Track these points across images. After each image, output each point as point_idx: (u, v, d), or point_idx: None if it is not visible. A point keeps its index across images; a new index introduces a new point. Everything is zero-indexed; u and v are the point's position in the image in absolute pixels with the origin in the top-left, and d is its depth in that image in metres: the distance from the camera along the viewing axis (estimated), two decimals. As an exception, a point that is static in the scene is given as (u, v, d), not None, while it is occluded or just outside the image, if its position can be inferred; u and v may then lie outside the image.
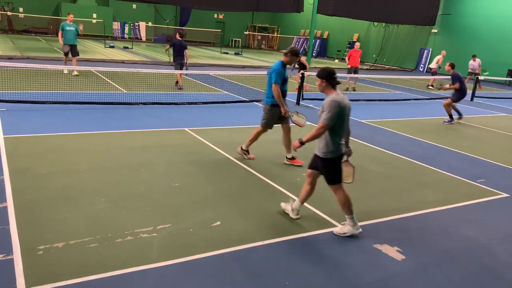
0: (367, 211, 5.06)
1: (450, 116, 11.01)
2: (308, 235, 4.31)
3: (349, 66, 15.84)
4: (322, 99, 12.97)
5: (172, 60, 13.23)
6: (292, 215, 4.67)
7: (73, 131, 7.36)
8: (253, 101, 11.80)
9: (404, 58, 30.40)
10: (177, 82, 13.23)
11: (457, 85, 10.70)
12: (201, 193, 5.17)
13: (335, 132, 4.22)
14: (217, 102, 11.20)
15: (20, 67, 12.26)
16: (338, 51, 34.87)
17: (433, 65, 19.78)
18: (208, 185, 5.43)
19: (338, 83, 4.29)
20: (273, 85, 6.12)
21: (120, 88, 12.05)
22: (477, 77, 17.41)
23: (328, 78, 4.24)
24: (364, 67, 28.60)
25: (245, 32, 39.04)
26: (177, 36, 12.88)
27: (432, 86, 18.27)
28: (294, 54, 6.16)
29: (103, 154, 6.30)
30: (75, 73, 13.51)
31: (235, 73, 16.69)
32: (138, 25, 35.17)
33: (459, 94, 10.86)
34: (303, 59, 15.04)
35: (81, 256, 3.58)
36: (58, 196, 4.71)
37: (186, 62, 12.96)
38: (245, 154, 6.61)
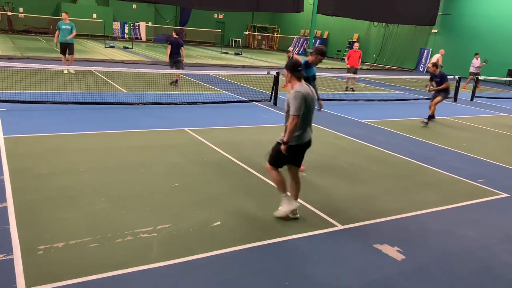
0: (367, 211, 5.06)
1: (432, 116, 10.60)
2: (308, 235, 4.31)
3: (348, 66, 15.83)
4: (322, 99, 12.99)
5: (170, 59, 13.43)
6: (291, 215, 4.66)
7: (73, 131, 7.36)
8: (253, 101, 11.80)
9: (404, 58, 30.41)
10: (176, 81, 13.46)
11: (448, 84, 10.53)
12: (201, 193, 5.17)
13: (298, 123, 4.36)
14: (217, 102, 11.20)
15: (20, 67, 12.26)
16: (338, 51, 34.88)
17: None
18: (208, 185, 5.43)
19: (303, 75, 4.46)
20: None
21: (120, 88, 12.05)
22: (477, 77, 17.41)
23: (293, 69, 4.40)
24: (364, 67, 28.60)
25: (245, 32, 39.05)
26: (173, 34, 13.28)
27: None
28: (320, 53, 5.94)
29: (103, 154, 6.30)
30: (72, 71, 13.63)
31: (235, 73, 16.70)
32: (138, 25, 35.18)
33: (446, 92, 10.67)
34: (295, 56, 15.12)
35: (81, 256, 3.58)
36: (58, 196, 4.71)
37: (183, 60, 13.28)
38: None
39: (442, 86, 10.51)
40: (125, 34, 34.89)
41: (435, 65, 10.58)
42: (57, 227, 4.03)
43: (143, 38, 35.10)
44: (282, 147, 4.38)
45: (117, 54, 22.39)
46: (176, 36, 13.17)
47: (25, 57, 16.88)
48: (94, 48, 24.70)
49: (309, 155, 7.13)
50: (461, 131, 10.37)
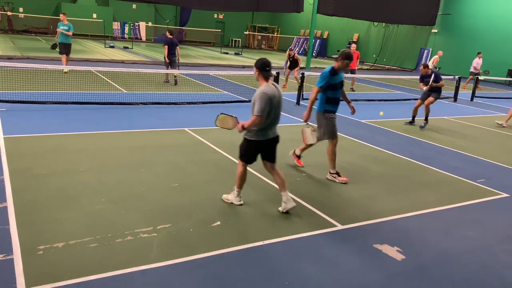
0: (367, 211, 5.06)
1: (413, 119, 10.47)
2: (308, 235, 4.31)
3: None
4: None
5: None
6: (236, 202, 4.85)
7: (73, 131, 7.36)
8: (253, 101, 11.78)
9: (404, 58, 30.41)
10: (175, 80, 13.79)
11: (443, 82, 10.18)
12: (201, 193, 5.17)
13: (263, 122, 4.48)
14: (217, 102, 11.20)
15: (20, 67, 12.26)
16: (338, 51, 34.81)
17: (429, 65, 19.79)
18: (208, 185, 5.43)
19: (271, 75, 4.52)
20: (314, 87, 5.81)
21: (120, 88, 12.05)
22: (477, 77, 17.41)
23: (262, 68, 4.46)
24: (364, 67, 28.61)
25: (245, 32, 39.05)
26: (168, 34, 13.60)
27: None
28: (346, 57, 5.69)
29: (103, 154, 6.30)
30: (65, 70, 13.70)
31: (235, 73, 16.70)
32: (138, 25, 35.17)
33: (439, 93, 10.31)
34: (296, 55, 15.12)
35: (81, 256, 3.58)
36: (58, 196, 4.71)
37: (178, 59, 13.69)
38: (335, 177, 5.95)
39: (439, 83, 10.11)
40: (125, 34, 34.88)
41: (426, 66, 10.22)
42: (57, 227, 4.03)
43: (143, 38, 35.10)
44: (239, 126, 4.51)
45: (117, 54, 22.39)
46: (171, 36, 13.48)
47: (25, 57, 16.88)
48: (94, 48, 24.70)
49: (309, 155, 7.15)
50: (461, 131, 10.36)
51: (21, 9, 31.86)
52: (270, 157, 4.81)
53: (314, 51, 33.57)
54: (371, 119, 10.81)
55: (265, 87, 4.44)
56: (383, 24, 31.20)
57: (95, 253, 3.64)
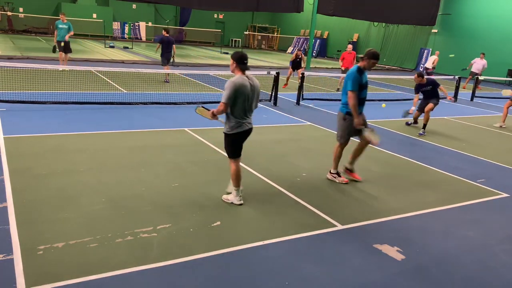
0: (367, 211, 5.06)
1: (415, 121, 10.27)
2: (308, 235, 4.31)
3: (343, 68, 15.80)
4: (322, 99, 12.87)
5: (173, 60, 14.20)
6: (236, 202, 4.87)
7: (73, 131, 7.36)
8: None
9: (404, 58, 30.41)
10: (167, 76, 14.29)
11: (443, 88, 9.78)
12: (201, 193, 5.17)
13: (234, 112, 4.63)
14: (217, 102, 11.15)
15: (20, 67, 12.26)
16: (338, 51, 34.81)
17: (429, 65, 19.83)
18: (208, 185, 5.43)
19: (247, 68, 4.67)
20: (349, 92, 5.57)
21: (120, 88, 12.05)
22: (477, 77, 17.41)
23: (239, 61, 4.61)
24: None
25: (245, 32, 39.05)
26: (164, 33, 13.92)
27: None
28: (372, 56, 5.54)
29: (103, 154, 6.30)
30: (63, 69, 13.75)
31: (235, 73, 16.65)
32: (138, 25, 35.17)
33: (438, 98, 9.85)
34: (303, 56, 15.13)
35: (81, 256, 3.58)
36: (58, 196, 4.71)
37: (174, 57, 14.17)
38: (335, 177, 5.96)
39: (441, 90, 9.71)
40: (125, 34, 34.88)
41: (420, 75, 9.69)
42: (57, 227, 4.03)
43: (143, 38, 35.09)
44: (210, 112, 4.72)
45: (117, 54, 22.39)
46: (167, 35, 13.81)
47: (25, 57, 16.88)
48: (94, 48, 24.70)
49: (309, 155, 7.15)
50: (461, 131, 10.36)
51: (21, 9, 31.86)
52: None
53: (314, 51, 33.56)
54: (371, 119, 10.80)
55: (236, 77, 4.60)
56: (383, 24, 31.21)
57: (95, 253, 3.64)
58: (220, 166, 6.20)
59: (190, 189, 5.26)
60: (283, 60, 27.98)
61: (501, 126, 11.13)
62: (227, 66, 21.19)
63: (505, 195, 6.02)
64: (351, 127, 5.77)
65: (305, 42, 35.34)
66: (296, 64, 14.89)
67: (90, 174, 5.42)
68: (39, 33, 31.45)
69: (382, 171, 6.68)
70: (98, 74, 14.16)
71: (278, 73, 11.64)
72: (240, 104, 4.59)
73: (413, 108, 9.76)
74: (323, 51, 36.48)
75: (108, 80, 13.21)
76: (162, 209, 4.61)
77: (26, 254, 3.54)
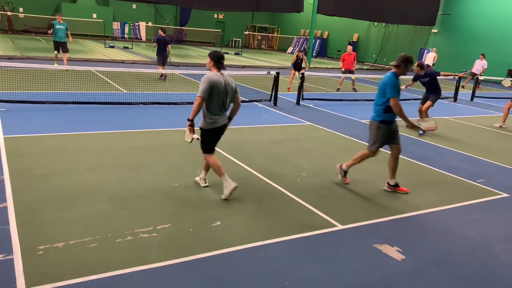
0: (367, 211, 5.06)
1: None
2: (308, 235, 4.31)
3: (343, 69, 15.78)
4: (322, 99, 12.88)
5: (170, 59, 14.68)
6: (202, 184, 5.29)
7: (73, 131, 7.36)
8: (253, 101, 11.80)
9: (404, 58, 30.35)
10: (161, 75, 14.56)
11: (442, 74, 9.69)
12: (201, 193, 5.17)
13: (209, 108, 4.86)
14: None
15: (20, 67, 12.26)
16: (338, 51, 34.84)
17: (429, 62, 19.87)
18: (208, 185, 5.43)
19: (223, 67, 4.97)
20: (391, 100, 5.46)
21: (120, 88, 12.05)
22: (477, 77, 17.40)
23: (216, 61, 4.93)
24: (364, 67, 28.61)
25: (245, 32, 39.04)
26: (160, 32, 14.31)
27: None
28: (406, 61, 5.48)
29: (103, 154, 6.30)
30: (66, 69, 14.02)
31: (235, 73, 16.65)
32: (138, 25, 35.17)
33: (437, 94, 9.74)
34: (305, 57, 15.02)
35: (81, 256, 3.58)
36: (58, 196, 4.71)
37: (169, 56, 14.53)
38: (342, 175, 5.91)
39: (444, 74, 9.52)
40: (125, 34, 34.89)
41: (419, 65, 9.49)
42: (57, 227, 4.03)
43: (143, 38, 35.09)
44: (188, 124, 4.89)
45: (117, 54, 22.38)
46: (163, 34, 14.16)
47: (25, 57, 16.88)
48: (94, 48, 24.70)
49: (309, 155, 7.15)
50: (461, 131, 10.36)
51: (21, 9, 31.87)
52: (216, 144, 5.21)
53: (314, 51, 33.55)
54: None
55: (211, 73, 4.86)
56: (383, 24, 31.19)
57: (95, 253, 3.64)
58: (220, 166, 6.20)
59: (190, 189, 5.27)
60: (283, 60, 27.98)
61: (501, 126, 11.11)
62: (227, 66, 21.12)
63: (505, 195, 6.02)
64: (385, 135, 5.65)
65: (305, 42, 35.34)
66: (297, 66, 14.77)
67: (90, 174, 5.42)
68: (39, 33, 31.45)
69: (382, 171, 6.68)
70: (98, 74, 14.16)
71: (278, 73, 11.64)
72: (215, 100, 4.82)
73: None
74: (323, 51, 36.48)
75: (108, 80, 13.21)
76: (162, 209, 4.61)
77: (26, 254, 3.54)
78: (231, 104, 5.12)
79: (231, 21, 40.10)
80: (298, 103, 12.06)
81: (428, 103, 9.74)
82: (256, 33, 41.21)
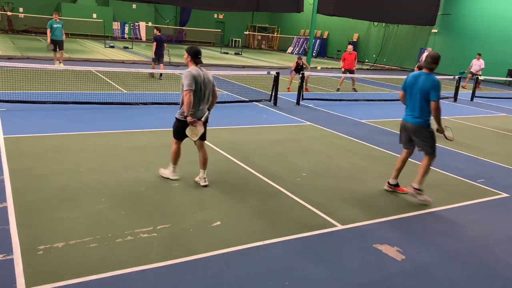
0: (368, 211, 5.06)
1: None
2: (308, 235, 4.31)
3: (343, 69, 15.75)
4: (322, 99, 12.88)
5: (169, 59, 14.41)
6: (171, 177, 5.44)
7: (73, 131, 7.36)
8: (253, 101, 11.80)
9: (404, 58, 30.39)
10: (159, 74, 14.78)
11: None
12: (201, 193, 5.17)
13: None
14: (217, 102, 11.16)
15: (20, 67, 12.25)
16: (338, 51, 34.83)
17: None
18: (208, 185, 5.43)
19: (200, 62, 5.16)
20: (436, 103, 5.21)
21: (120, 88, 12.05)
22: (477, 77, 17.41)
23: (193, 56, 5.12)
24: (364, 67, 28.61)
25: (245, 32, 39.04)
26: (156, 31, 14.49)
27: None
28: (433, 61, 5.31)
29: (103, 154, 6.30)
30: (61, 65, 14.54)
31: (235, 73, 16.70)
32: (138, 25, 35.16)
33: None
34: (305, 62, 14.85)
35: (81, 256, 3.58)
36: (58, 196, 4.71)
37: (164, 55, 14.70)
38: (419, 194, 5.46)
39: None
40: (125, 34, 34.88)
41: (418, 66, 9.36)
42: (57, 227, 4.03)
43: (143, 38, 35.08)
44: (188, 119, 5.04)
45: (117, 54, 22.38)
46: (159, 33, 14.41)
47: (25, 57, 16.88)
48: (94, 48, 24.70)
49: (309, 155, 7.15)
50: (461, 131, 10.36)
51: (21, 9, 31.85)
52: (201, 135, 5.32)
53: (314, 51, 33.55)
54: (371, 119, 10.81)
55: (191, 68, 5.07)
56: (383, 24, 31.18)
57: (95, 253, 3.64)
58: (221, 166, 6.20)
59: (190, 189, 5.27)
60: (283, 60, 27.98)
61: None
62: (227, 66, 21.24)
63: (505, 195, 6.02)
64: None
65: (305, 42, 35.35)
66: (299, 70, 14.55)
67: (90, 174, 5.42)
68: (39, 33, 31.41)
69: (382, 171, 6.68)
70: (98, 74, 14.16)
71: (278, 73, 11.64)
72: (196, 94, 5.03)
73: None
74: (323, 51, 36.46)
75: (108, 80, 13.21)
76: (162, 209, 4.61)
77: (26, 254, 3.54)
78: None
79: (231, 21, 40.09)
80: (298, 103, 12.06)
81: None
82: (256, 33, 41.20)
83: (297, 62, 14.16)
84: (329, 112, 11.29)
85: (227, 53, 29.51)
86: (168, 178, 5.46)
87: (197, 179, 5.46)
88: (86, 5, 33.09)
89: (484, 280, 3.81)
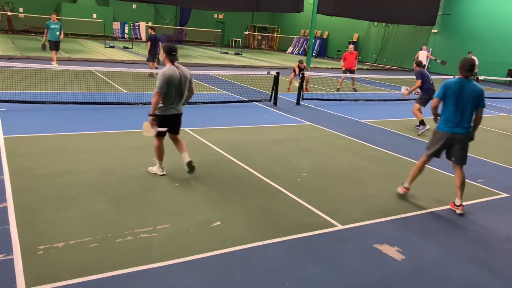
0: (367, 211, 5.06)
1: (422, 122, 9.46)
2: (308, 235, 4.31)
3: (343, 69, 15.74)
4: (322, 99, 12.89)
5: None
6: (159, 173, 5.55)
7: (73, 131, 7.36)
8: (253, 101, 11.80)
9: (404, 58, 30.39)
10: (151, 74, 14.89)
11: (418, 83, 9.27)
12: (201, 193, 5.17)
13: (164, 99, 5.25)
14: (217, 102, 11.19)
15: (20, 67, 12.26)
16: (338, 51, 34.85)
17: (425, 61, 19.98)
18: (208, 185, 5.43)
19: (176, 59, 5.27)
20: (483, 110, 5.15)
21: (120, 88, 12.05)
22: (477, 77, 17.41)
23: (168, 53, 5.22)
24: (364, 67, 28.61)
25: (245, 32, 39.05)
26: (151, 31, 14.81)
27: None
28: (467, 68, 5.19)
29: (103, 154, 6.30)
30: (55, 64, 14.80)
31: (235, 73, 16.69)
32: (138, 25, 35.17)
33: (421, 95, 9.50)
34: (305, 65, 14.72)
35: (81, 256, 3.58)
36: (58, 196, 4.71)
37: (159, 54, 14.63)
38: (458, 205, 5.25)
39: (413, 87, 9.44)
40: (125, 34, 34.89)
41: (416, 63, 9.59)
42: (57, 227, 4.03)
43: (143, 38, 35.07)
44: (150, 118, 5.24)
45: (117, 54, 22.39)
46: (154, 33, 14.67)
47: (25, 57, 16.88)
48: (94, 48, 24.71)
49: (309, 154, 7.15)
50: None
51: (21, 9, 31.86)
52: (173, 130, 5.59)
53: (314, 51, 33.55)
54: (371, 119, 10.81)
55: (166, 68, 5.19)
56: (383, 24, 31.20)
57: (95, 253, 3.64)
58: (221, 166, 6.20)
59: (190, 189, 5.27)
60: (283, 60, 27.99)
61: None
62: (227, 66, 21.24)
63: (505, 195, 6.02)
64: None
65: (305, 42, 35.37)
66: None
67: (90, 174, 5.42)
68: (39, 33, 31.34)
69: (382, 171, 6.68)
70: (98, 74, 14.16)
71: (278, 73, 11.64)
72: (171, 92, 5.20)
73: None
74: (323, 51, 36.47)
75: (108, 80, 13.21)
76: (162, 209, 4.61)
77: (26, 254, 3.54)
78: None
79: (231, 21, 40.09)
80: (298, 103, 12.06)
81: (415, 105, 9.60)
82: (256, 33, 41.20)
83: (298, 66, 13.94)
84: (329, 112, 11.29)
85: (227, 53, 29.51)
86: (156, 174, 5.59)
87: (184, 163, 5.57)
88: (86, 5, 33.09)
89: (484, 280, 3.81)
